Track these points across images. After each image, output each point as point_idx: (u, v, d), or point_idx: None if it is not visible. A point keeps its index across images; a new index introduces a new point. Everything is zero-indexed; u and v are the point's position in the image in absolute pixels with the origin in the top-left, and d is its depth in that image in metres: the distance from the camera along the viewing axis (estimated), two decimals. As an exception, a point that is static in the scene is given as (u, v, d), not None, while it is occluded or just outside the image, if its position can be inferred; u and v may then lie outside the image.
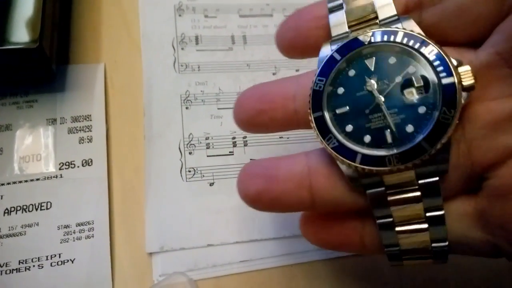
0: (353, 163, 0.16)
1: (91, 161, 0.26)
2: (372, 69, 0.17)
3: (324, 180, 0.17)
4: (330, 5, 0.18)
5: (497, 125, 0.15)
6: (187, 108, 0.28)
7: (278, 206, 0.18)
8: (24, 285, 0.23)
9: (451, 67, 0.15)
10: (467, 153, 0.16)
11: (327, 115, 0.17)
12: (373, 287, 0.25)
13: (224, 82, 0.30)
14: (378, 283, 0.25)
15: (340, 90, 0.17)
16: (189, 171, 0.27)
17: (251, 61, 0.31)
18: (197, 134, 0.28)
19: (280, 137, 0.29)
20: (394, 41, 0.16)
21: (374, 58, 0.17)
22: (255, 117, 0.19)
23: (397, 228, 0.16)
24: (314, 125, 0.17)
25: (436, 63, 0.15)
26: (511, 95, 0.15)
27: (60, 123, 0.26)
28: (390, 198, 0.16)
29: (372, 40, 0.16)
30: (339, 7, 0.18)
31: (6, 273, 0.23)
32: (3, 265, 0.23)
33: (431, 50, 0.16)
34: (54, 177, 0.25)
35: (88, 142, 0.26)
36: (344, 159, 0.16)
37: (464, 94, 0.15)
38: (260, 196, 0.18)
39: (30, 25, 0.24)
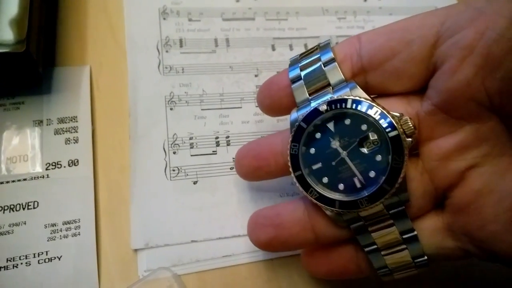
0: (333, 209, 0.20)
1: (77, 161, 0.27)
2: (333, 131, 0.20)
3: (322, 220, 0.21)
4: (291, 77, 0.22)
5: (447, 156, 0.19)
6: (171, 109, 0.29)
7: (287, 247, 0.23)
8: (12, 282, 0.24)
9: (393, 122, 0.19)
10: (430, 181, 0.20)
11: (305, 172, 0.21)
12: (350, 281, 0.26)
13: (208, 84, 0.31)
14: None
15: (312, 150, 0.21)
16: (173, 170, 0.28)
17: (234, 63, 0.32)
18: (181, 134, 0.29)
19: (262, 137, 0.30)
20: (345, 107, 0.20)
21: (333, 121, 0.20)
22: (254, 172, 0.24)
23: (382, 252, 0.20)
24: (296, 181, 0.21)
25: (381, 121, 0.19)
26: (451, 132, 0.19)
27: (47, 125, 0.27)
28: (370, 228, 0.20)
29: (328, 109, 0.20)
30: (298, 79, 0.21)
31: (-6, 270, 0.24)
32: (-9, 263, 0.24)
33: (376, 111, 0.19)
34: (41, 177, 0.26)
35: (74, 143, 0.27)
36: (326, 206, 0.20)
37: (408, 139, 0.19)
38: (271, 242, 0.22)
39: (16, 29, 0.24)
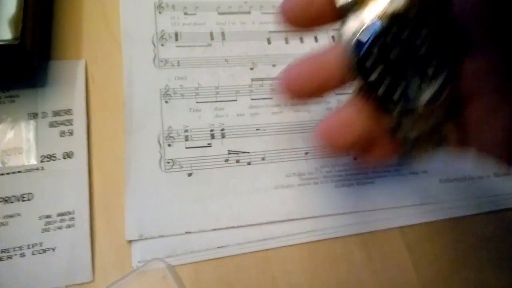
0: None
1: (72, 153, 0.27)
2: (393, 41, 0.18)
3: None
4: None
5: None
6: (166, 102, 0.29)
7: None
8: (6, 273, 0.24)
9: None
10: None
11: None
12: (344, 270, 0.26)
13: (203, 77, 0.31)
14: (349, 267, 0.26)
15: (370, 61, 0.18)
16: (168, 163, 0.28)
17: (230, 56, 0.32)
18: (176, 127, 0.29)
19: (257, 129, 0.30)
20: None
21: (392, 32, 0.18)
22: (305, 7, 0.19)
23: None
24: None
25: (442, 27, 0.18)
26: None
27: (42, 117, 0.27)
28: None
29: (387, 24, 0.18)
30: None
31: (-12, 262, 0.24)
32: (-14, 254, 0.24)
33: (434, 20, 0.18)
34: (35, 169, 0.26)
35: (69, 135, 0.27)
36: None
37: None
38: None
39: (11, 22, 0.25)
